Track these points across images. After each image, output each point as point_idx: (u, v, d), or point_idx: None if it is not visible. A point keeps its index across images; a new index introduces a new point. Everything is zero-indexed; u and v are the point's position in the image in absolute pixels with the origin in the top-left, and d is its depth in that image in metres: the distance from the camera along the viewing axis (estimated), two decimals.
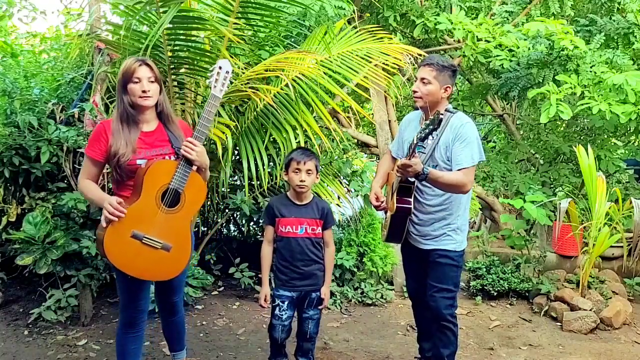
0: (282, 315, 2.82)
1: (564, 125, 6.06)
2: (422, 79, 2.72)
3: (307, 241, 2.79)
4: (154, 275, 2.41)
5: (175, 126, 2.49)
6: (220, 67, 2.45)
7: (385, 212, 2.98)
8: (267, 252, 2.85)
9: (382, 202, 2.89)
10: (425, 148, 2.69)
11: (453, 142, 2.66)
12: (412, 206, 2.75)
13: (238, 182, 4.45)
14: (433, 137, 2.61)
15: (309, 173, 2.76)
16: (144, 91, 2.34)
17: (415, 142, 2.50)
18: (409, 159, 2.47)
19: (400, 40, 4.46)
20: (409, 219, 2.80)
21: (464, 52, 4.68)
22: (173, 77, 3.43)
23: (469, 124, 2.70)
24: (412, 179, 2.67)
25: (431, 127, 2.45)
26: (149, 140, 2.40)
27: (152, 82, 2.37)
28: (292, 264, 2.79)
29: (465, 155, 2.63)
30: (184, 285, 2.77)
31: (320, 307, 2.87)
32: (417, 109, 2.86)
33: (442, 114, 2.46)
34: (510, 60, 4.57)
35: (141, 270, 2.34)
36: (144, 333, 2.69)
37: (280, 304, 2.82)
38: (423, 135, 2.47)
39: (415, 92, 2.76)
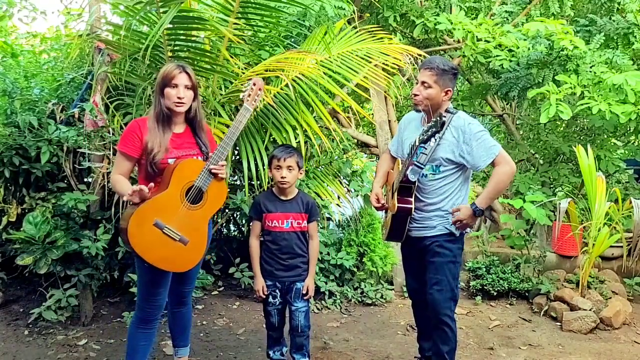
0: (275, 302, 2.94)
1: (563, 125, 6.06)
2: (423, 82, 2.72)
3: (293, 235, 2.90)
4: (169, 265, 2.50)
5: (204, 133, 2.64)
6: (254, 84, 2.67)
7: (386, 212, 2.99)
8: (255, 247, 2.96)
9: (383, 203, 2.90)
10: (426, 149, 2.71)
11: (466, 143, 2.68)
12: (412, 206, 2.76)
13: (238, 182, 4.45)
14: (436, 140, 2.65)
15: (290, 169, 2.85)
16: (179, 97, 2.47)
17: (417, 143, 2.54)
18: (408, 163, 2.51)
19: (400, 40, 4.46)
20: (409, 218, 2.81)
21: (463, 52, 4.68)
22: None
23: (474, 120, 2.74)
24: (414, 179, 2.71)
25: (434, 129, 2.50)
26: (179, 142, 2.55)
27: (188, 88, 2.50)
28: (278, 256, 2.90)
29: (489, 147, 2.68)
30: (196, 278, 2.90)
31: (306, 298, 2.95)
32: (418, 110, 2.87)
33: (444, 116, 2.51)
34: (510, 61, 4.57)
35: (158, 259, 2.44)
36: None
37: (272, 292, 2.93)
38: (425, 137, 2.54)
39: (415, 95, 2.76)
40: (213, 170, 2.50)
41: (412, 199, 2.77)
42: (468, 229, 2.86)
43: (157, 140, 2.46)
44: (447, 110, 2.74)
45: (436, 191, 2.77)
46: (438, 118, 2.54)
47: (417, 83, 2.77)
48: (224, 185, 2.61)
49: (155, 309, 2.59)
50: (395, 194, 2.79)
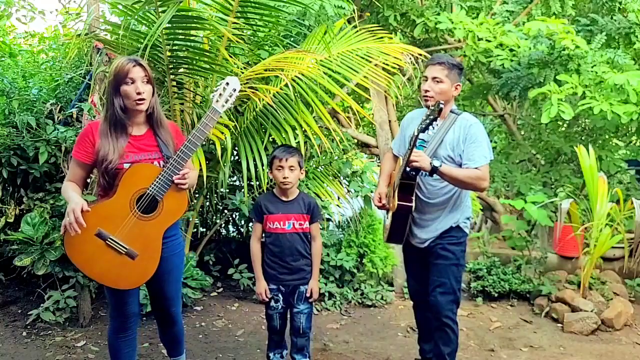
0: (277, 306, 2.89)
1: (565, 125, 6.04)
2: (434, 78, 2.67)
3: (295, 236, 2.84)
4: (112, 281, 2.26)
5: (164, 131, 2.36)
6: (227, 84, 2.37)
7: (387, 212, 2.96)
8: (256, 249, 2.89)
9: (384, 203, 2.87)
10: (426, 143, 2.65)
11: (464, 143, 2.64)
12: (413, 205, 2.72)
13: (237, 183, 4.44)
14: (434, 127, 2.55)
15: (291, 169, 2.80)
16: (138, 93, 2.21)
17: (416, 134, 2.44)
18: (410, 153, 2.45)
19: (400, 39, 4.44)
20: (410, 218, 2.78)
21: (464, 52, 4.65)
22: (172, 77, 3.42)
23: (477, 124, 2.69)
24: (414, 175, 2.65)
25: (431, 117, 2.39)
26: (137, 145, 2.30)
27: (145, 82, 2.24)
28: (281, 259, 2.84)
29: (478, 154, 2.62)
30: (180, 295, 2.68)
31: (310, 301, 2.90)
32: (428, 107, 2.77)
33: (442, 103, 2.42)
34: (511, 60, 4.55)
35: (99, 273, 2.22)
36: (138, 335, 2.65)
37: (275, 296, 2.88)
38: (424, 125, 2.42)
39: (427, 91, 2.70)
40: (176, 181, 2.24)
41: (413, 197, 2.72)
42: (468, 224, 2.84)
43: (110, 146, 2.22)
44: (451, 111, 2.70)
45: (438, 192, 2.74)
46: (436, 105, 2.43)
47: (425, 80, 2.72)
48: (184, 195, 2.33)
49: (128, 317, 2.45)
50: (396, 192, 2.74)
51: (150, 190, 2.22)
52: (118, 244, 2.21)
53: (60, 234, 2.29)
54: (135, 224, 2.23)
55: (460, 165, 2.68)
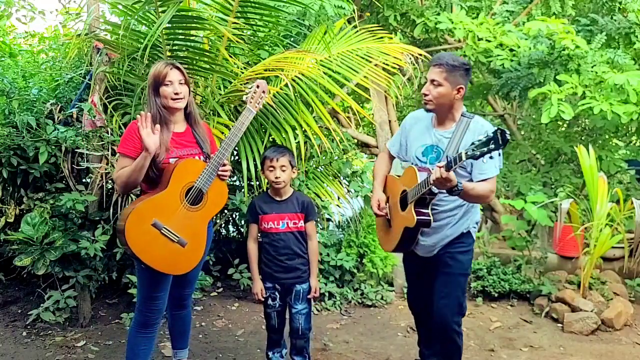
0: (274, 304, 2.92)
1: (565, 125, 6.04)
2: (432, 80, 2.55)
3: (289, 235, 2.87)
4: (166, 267, 2.45)
5: (200, 128, 2.62)
6: (257, 86, 2.62)
7: (389, 221, 2.82)
8: (252, 249, 2.93)
9: (386, 212, 2.76)
10: (436, 160, 2.53)
11: None
12: (431, 218, 2.57)
13: (237, 183, 4.44)
14: (492, 157, 2.27)
15: (283, 169, 2.83)
16: (176, 93, 2.45)
17: (464, 158, 2.26)
18: (447, 171, 2.30)
19: (400, 39, 4.44)
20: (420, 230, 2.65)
21: (464, 52, 4.65)
22: None
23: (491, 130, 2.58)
24: (437, 191, 2.51)
25: (493, 146, 2.15)
26: (179, 140, 2.52)
27: (182, 84, 2.47)
28: (277, 258, 2.87)
29: (490, 165, 2.49)
30: (196, 280, 2.85)
31: (309, 297, 2.92)
32: (428, 110, 2.68)
33: (506, 132, 2.18)
34: (511, 60, 4.55)
35: (155, 260, 2.39)
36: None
37: (271, 294, 2.90)
38: (479, 153, 2.21)
39: (425, 94, 2.59)
40: (220, 173, 2.48)
41: (429, 211, 2.57)
42: (477, 228, 2.76)
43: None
44: (462, 115, 2.64)
45: (449, 198, 2.57)
46: (498, 133, 2.16)
47: (427, 82, 2.61)
48: (224, 187, 2.59)
49: (155, 312, 2.56)
50: (412, 205, 2.57)
51: (198, 184, 2.44)
52: (171, 232, 2.40)
53: (121, 218, 2.43)
54: (184, 214, 2.44)
55: (470, 173, 2.57)
